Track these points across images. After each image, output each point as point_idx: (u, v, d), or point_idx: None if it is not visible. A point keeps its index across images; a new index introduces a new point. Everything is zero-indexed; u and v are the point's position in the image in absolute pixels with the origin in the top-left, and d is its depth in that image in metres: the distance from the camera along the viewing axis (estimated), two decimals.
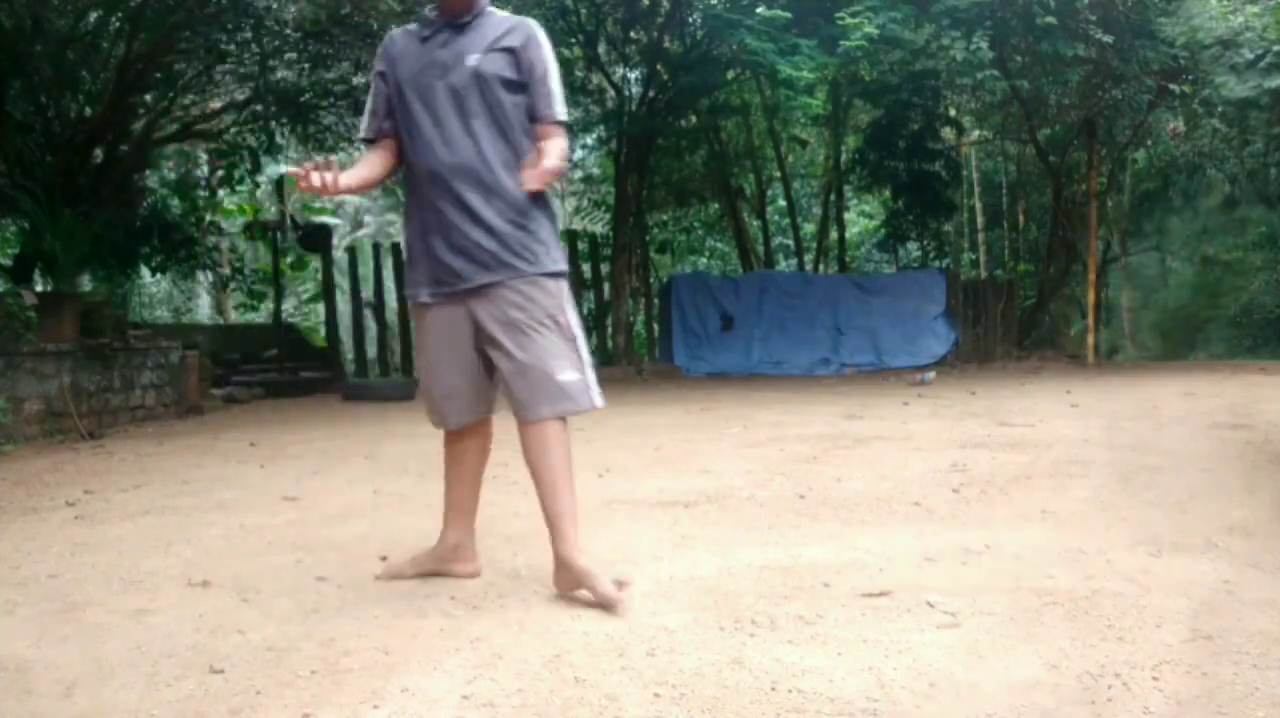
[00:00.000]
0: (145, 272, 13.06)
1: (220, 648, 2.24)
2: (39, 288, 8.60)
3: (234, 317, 18.14)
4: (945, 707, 1.84)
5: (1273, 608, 2.38)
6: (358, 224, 22.25)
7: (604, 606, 2.41)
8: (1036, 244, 17.12)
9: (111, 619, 2.48)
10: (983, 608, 2.42)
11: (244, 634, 2.33)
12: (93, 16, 8.96)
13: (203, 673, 2.07)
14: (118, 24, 9.08)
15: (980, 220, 19.00)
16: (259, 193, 15.50)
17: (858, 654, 2.12)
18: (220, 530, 3.53)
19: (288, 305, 17.20)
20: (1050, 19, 8.95)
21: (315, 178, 2.40)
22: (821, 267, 16.86)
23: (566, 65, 13.99)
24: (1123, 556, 2.92)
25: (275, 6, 8.89)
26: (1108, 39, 9.74)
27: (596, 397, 2.57)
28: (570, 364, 2.54)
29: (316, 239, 13.38)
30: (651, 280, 14.92)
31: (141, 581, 2.85)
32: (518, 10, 11.50)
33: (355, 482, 4.57)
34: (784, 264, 17.96)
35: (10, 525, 3.72)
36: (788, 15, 9.43)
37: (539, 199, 2.59)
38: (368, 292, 14.98)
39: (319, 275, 15.74)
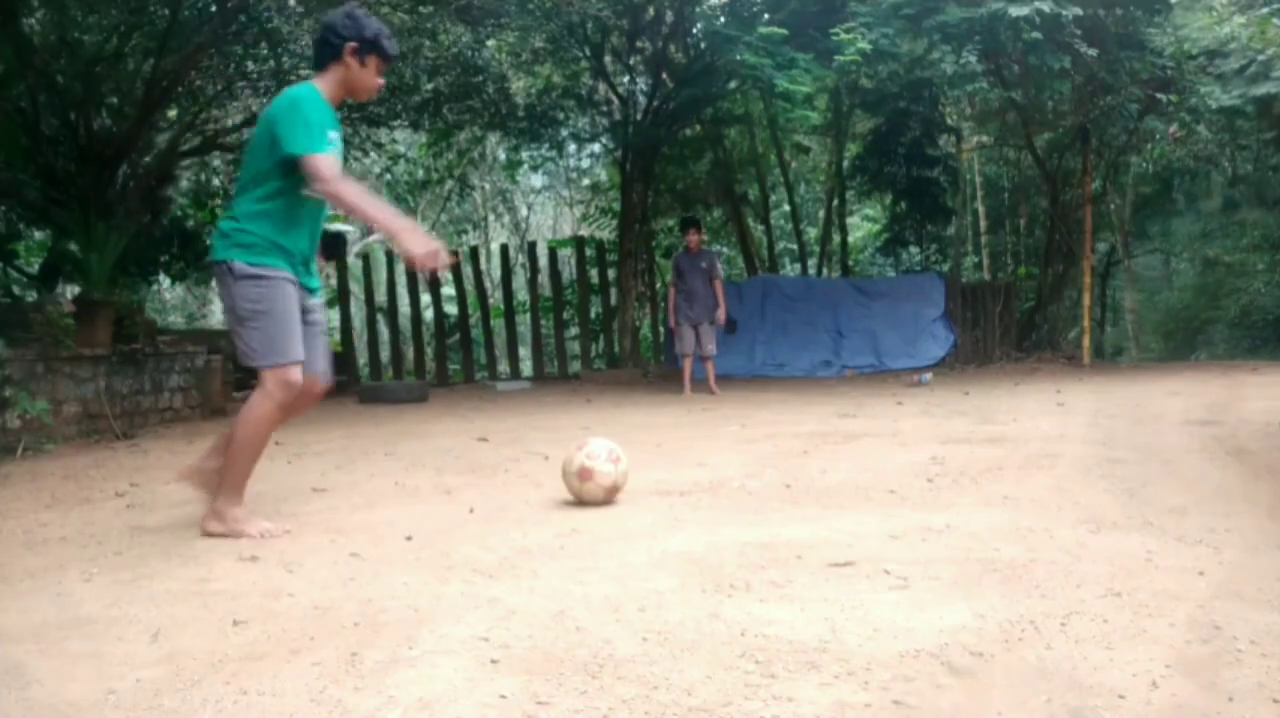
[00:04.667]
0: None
1: (275, 607, 2.62)
2: (66, 295, 9.02)
3: None
4: (884, 644, 2.20)
5: (1180, 572, 2.74)
6: (370, 231, 22.66)
7: None
8: (1038, 248, 17.42)
9: (178, 586, 2.86)
10: (932, 574, 2.78)
11: (293, 597, 2.71)
12: (120, 37, 9.38)
13: (264, 623, 2.46)
14: (144, 43, 9.49)
15: (983, 224, 19.33)
16: None
17: (818, 610, 2.48)
18: (260, 516, 3.90)
19: None
20: (1036, 34, 9.30)
21: None
22: (825, 270, 17.21)
23: (574, 77, 14.38)
24: (1065, 532, 3.28)
25: (291, 29, 9.30)
26: (1093, 52, 10.07)
27: None
28: None
29: (331, 246, 13.78)
30: (657, 285, 15.27)
31: (198, 556, 3.23)
32: (525, 28, 11.68)
33: (376, 475, 4.95)
34: (788, 268, 18.31)
35: (70, 513, 4.11)
36: (784, 31, 9.79)
37: None
38: (381, 297, 15.38)
39: (333, 281, 16.15)
